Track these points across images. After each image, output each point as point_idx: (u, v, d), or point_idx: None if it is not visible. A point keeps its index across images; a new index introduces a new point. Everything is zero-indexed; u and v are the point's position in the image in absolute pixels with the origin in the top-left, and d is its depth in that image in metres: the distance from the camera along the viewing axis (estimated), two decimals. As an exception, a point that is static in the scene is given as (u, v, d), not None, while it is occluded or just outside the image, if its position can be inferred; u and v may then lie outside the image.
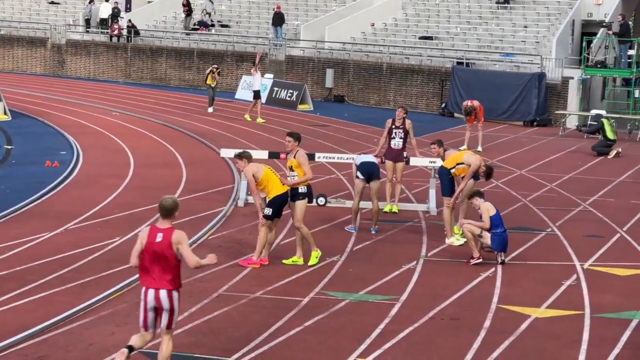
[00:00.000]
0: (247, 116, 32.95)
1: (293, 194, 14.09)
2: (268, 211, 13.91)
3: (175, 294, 9.19)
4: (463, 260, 14.72)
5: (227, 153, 19.84)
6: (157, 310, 9.24)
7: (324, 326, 11.41)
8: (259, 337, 10.87)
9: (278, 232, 15.28)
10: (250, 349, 10.48)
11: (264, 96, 39.75)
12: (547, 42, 37.88)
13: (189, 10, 47.97)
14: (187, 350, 10.36)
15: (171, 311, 9.22)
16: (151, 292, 9.15)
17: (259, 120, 32.47)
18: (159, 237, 9.16)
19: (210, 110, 35.09)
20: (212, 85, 35.58)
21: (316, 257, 14.26)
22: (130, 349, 9.33)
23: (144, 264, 9.21)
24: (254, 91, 33.42)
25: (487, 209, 14.72)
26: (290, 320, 11.52)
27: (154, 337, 9.45)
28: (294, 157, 14.16)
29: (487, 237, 14.61)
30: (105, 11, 49.82)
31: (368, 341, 10.86)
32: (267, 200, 14.00)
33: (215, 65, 36.99)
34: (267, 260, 14.18)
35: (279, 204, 13.99)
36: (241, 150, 14.98)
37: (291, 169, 14.17)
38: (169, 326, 9.30)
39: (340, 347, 10.67)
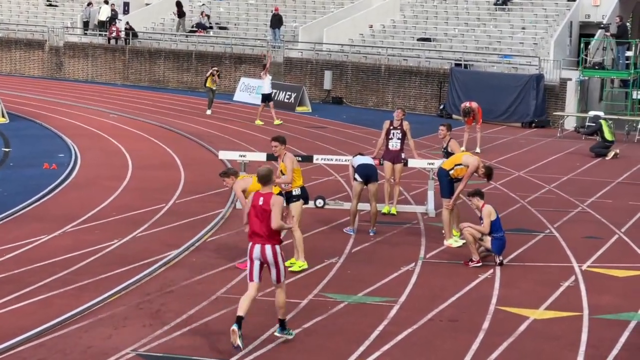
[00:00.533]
0: (258, 121, 32.73)
1: (287, 197, 14.08)
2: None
3: (277, 248, 10.71)
4: (461, 262, 14.71)
5: (226, 155, 19.85)
6: (262, 263, 10.69)
7: (323, 328, 11.40)
8: (257, 339, 10.86)
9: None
10: (249, 351, 10.47)
11: (262, 98, 39.74)
12: (545, 44, 37.91)
13: (180, 13, 47.90)
14: (185, 353, 10.35)
15: (276, 265, 10.71)
16: (257, 247, 10.68)
17: (276, 122, 32.47)
18: (261, 201, 10.75)
19: (208, 112, 35.04)
20: (212, 88, 35.47)
21: (299, 267, 14.05)
22: (240, 321, 10.39)
23: (252, 223, 10.74)
24: (264, 94, 33.27)
25: (489, 213, 14.74)
26: (289, 323, 11.49)
27: (258, 289, 10.80)
28: (282, 160, 14.18)
29: (487, 241, 14.63)
30: (104, 14, 49.80)
31: (367, 343, 10.85)
32: None
33: (216, 68, 36.88)
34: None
35: None
36: (226, 169, 15.02)
37: (282, 172, 14.16)
38: (278, 280, 10.81)
39: (338, 349, 10.66)
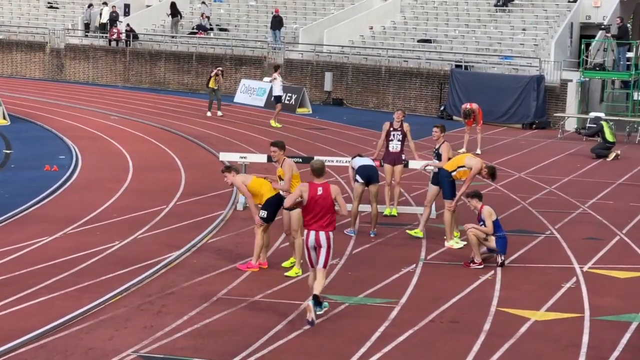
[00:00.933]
0: (273, 121, 32.67)
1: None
2: (263, 213, 13.89)
3: (331, 234, 11.69)
4: (462, 263, 14.71)
5: (226, 157, 19.85)
6: (316, 249, 11.62)
7: (324, 329, 11.40)
8: (258, 340, 10.86)
9: (275, 237, 15.28)
10: (250, 352, 10.47)
11: (262, 100, 39.81)
12: (545, 45, 37.91)
13: (174, 13, 47.79)
14: (186, 354, 10.35)
15: (328, 249, 11.63)
16: (312, 233, 11.60)
17: (276, 124, 32.32)
18: (320, 191, 11.63)
19: (209, 114, 34.99)
20: (215, 88, 35.29)
21: (295, 273, 13.93)
22: (316, 298, 11.36)
23: (308, 212, 11.63)
24: (276, 96, 33.13)
25: (490, 213, 14.77)
26: (290, 324, 11.51)
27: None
28: (281, 166, 14.06)
29: (491, 241, 14.65)
30: (105, 15, 49.82)
31: (367, 344, 10.85)
32: (262, 204, 13.99)
33: (221, 68, 36.64)
34: (267, 263, 14.17)
35: (274, 205, 13.96)
36: (227, 165, 15.03)
37: (280, 178, 14.09)
38: (325, 264, 11.69)
39: (339, 350, 10.66)
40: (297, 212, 13.88)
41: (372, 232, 16.60)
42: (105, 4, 50.48)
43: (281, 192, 13.97)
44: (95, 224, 16.82)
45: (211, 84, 35.33)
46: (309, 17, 46.56)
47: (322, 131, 31.46)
